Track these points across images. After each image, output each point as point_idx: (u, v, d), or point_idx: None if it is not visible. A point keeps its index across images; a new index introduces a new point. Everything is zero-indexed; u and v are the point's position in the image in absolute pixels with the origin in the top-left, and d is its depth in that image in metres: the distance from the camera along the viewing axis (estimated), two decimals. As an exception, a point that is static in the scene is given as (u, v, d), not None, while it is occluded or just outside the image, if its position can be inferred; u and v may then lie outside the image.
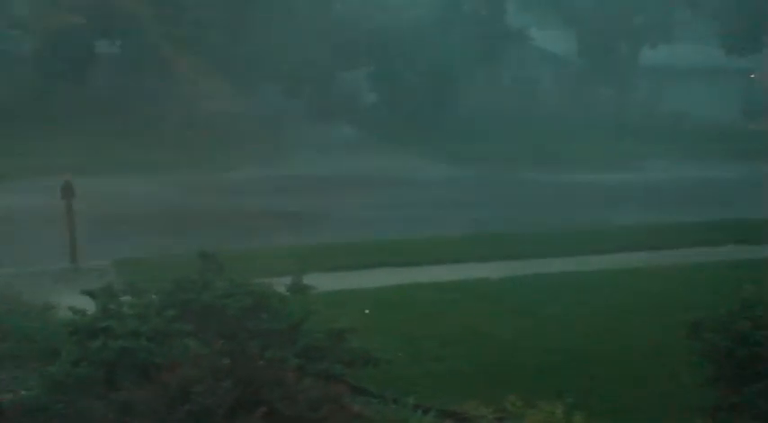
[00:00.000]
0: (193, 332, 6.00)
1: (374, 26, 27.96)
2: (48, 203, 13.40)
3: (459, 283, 10.66)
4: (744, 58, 36.96)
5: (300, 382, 5.70)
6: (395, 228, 14.71)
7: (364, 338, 6.74)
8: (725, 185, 21.50)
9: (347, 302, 9.18)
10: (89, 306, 6.38)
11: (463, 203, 18.09)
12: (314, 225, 15.45)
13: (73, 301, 6.62)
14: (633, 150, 26.74)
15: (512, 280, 10.90)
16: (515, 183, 21.56)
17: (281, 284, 7.00)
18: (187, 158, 21.62)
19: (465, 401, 6.26)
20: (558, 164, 24.23)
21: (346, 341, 6.52)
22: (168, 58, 24.15)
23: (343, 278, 10.58)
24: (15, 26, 26.93)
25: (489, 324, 8.93)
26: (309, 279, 7.23)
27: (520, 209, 17.42)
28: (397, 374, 6.96)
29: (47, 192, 13.41)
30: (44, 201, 14.12)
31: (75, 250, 11.49)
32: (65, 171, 12.40)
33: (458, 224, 15.07)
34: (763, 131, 33.56)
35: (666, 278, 11.08)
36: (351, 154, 23.31)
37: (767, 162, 23.89)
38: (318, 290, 7.18)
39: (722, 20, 34.04)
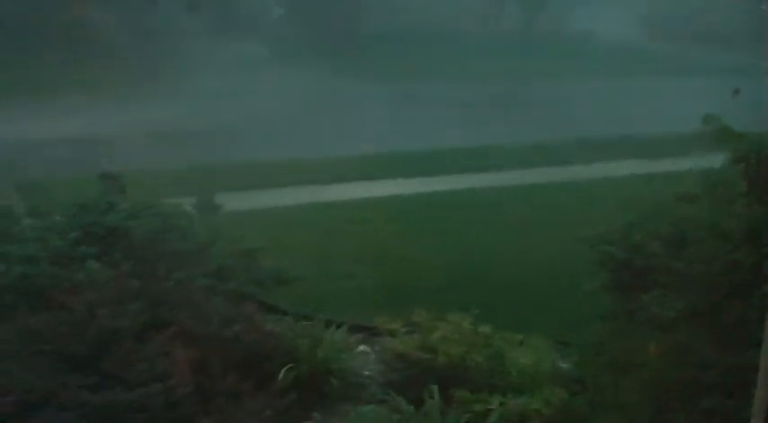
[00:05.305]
0: (98, 255, 5.85)
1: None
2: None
3: (369, 201, 10.71)
4: None
5: (210, 301, 5.69)
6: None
7: (275, 258, 6.74)
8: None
9: (257, 222, 9.11)
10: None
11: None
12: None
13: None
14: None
15: (422, 197, 11.02)
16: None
17: (188, 205, 6.87)
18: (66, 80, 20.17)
19: (375, 316, 6.39)
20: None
21: (257, 260, 6.50)
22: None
23: (251, 198, 10.47)
24: None
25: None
26: (218, 198, 7.13)
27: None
28: (308, 292, 7.02)
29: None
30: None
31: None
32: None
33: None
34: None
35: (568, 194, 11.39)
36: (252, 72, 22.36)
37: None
38: (227, 209, 7.09)
39: None
